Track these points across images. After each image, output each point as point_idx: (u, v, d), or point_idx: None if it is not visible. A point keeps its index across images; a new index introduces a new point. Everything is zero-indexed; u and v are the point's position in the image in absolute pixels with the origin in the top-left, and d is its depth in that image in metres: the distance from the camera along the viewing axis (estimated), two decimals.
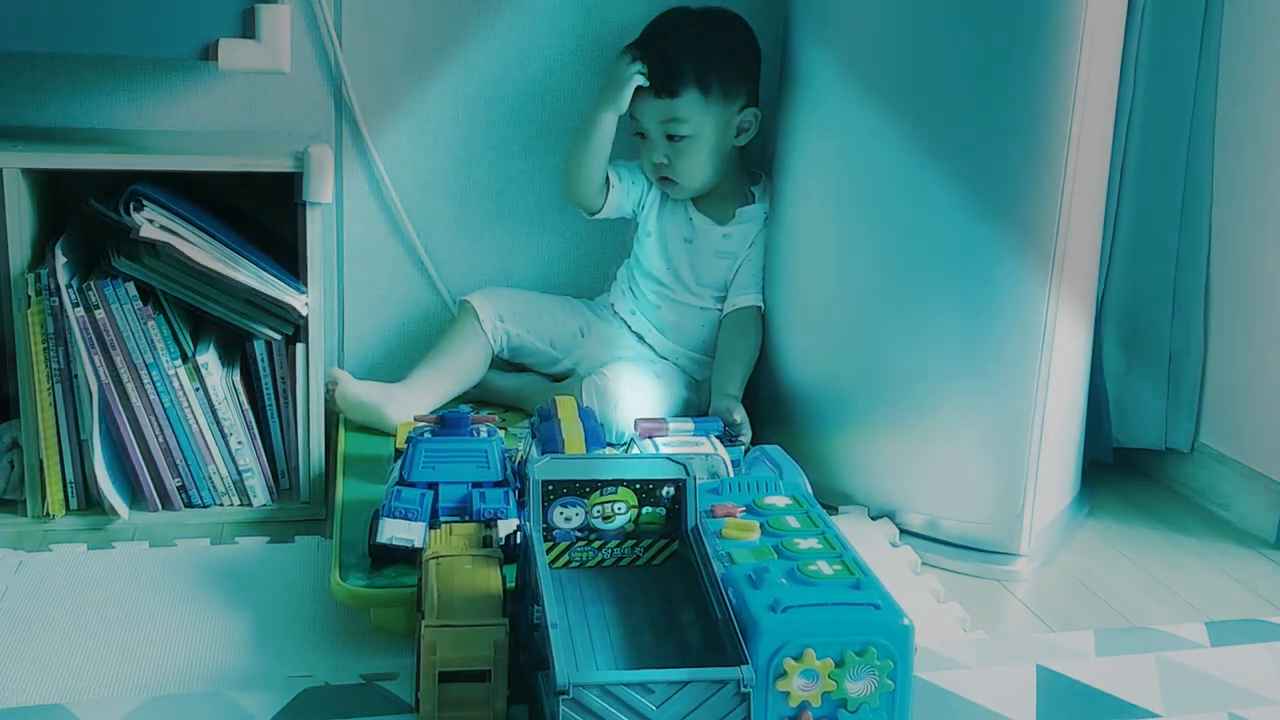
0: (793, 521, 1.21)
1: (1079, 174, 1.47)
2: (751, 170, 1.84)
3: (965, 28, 1.45)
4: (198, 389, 1.53)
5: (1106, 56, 1.53)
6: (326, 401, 1.67)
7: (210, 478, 1.57)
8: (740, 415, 1.68)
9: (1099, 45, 1.47)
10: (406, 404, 1.68)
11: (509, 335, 1.81)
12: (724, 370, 1.76)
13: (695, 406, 1.80)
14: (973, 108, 1.47)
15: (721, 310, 1.81)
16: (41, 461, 1.52)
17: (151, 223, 1.49)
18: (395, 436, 1.51)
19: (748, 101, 1.77)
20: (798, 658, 1.02)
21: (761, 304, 1.78)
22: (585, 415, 1.47)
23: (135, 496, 1.58)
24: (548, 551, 1.16)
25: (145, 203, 1.49)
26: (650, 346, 1.84)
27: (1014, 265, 1.49)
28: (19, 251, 1.49)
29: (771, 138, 1.74)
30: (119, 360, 1.50)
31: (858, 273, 1.58)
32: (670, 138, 1.74)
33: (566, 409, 1.45)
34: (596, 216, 1.83)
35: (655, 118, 1.74)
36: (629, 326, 1.85)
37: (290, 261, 1.58)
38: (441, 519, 1.31)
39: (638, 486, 1.15)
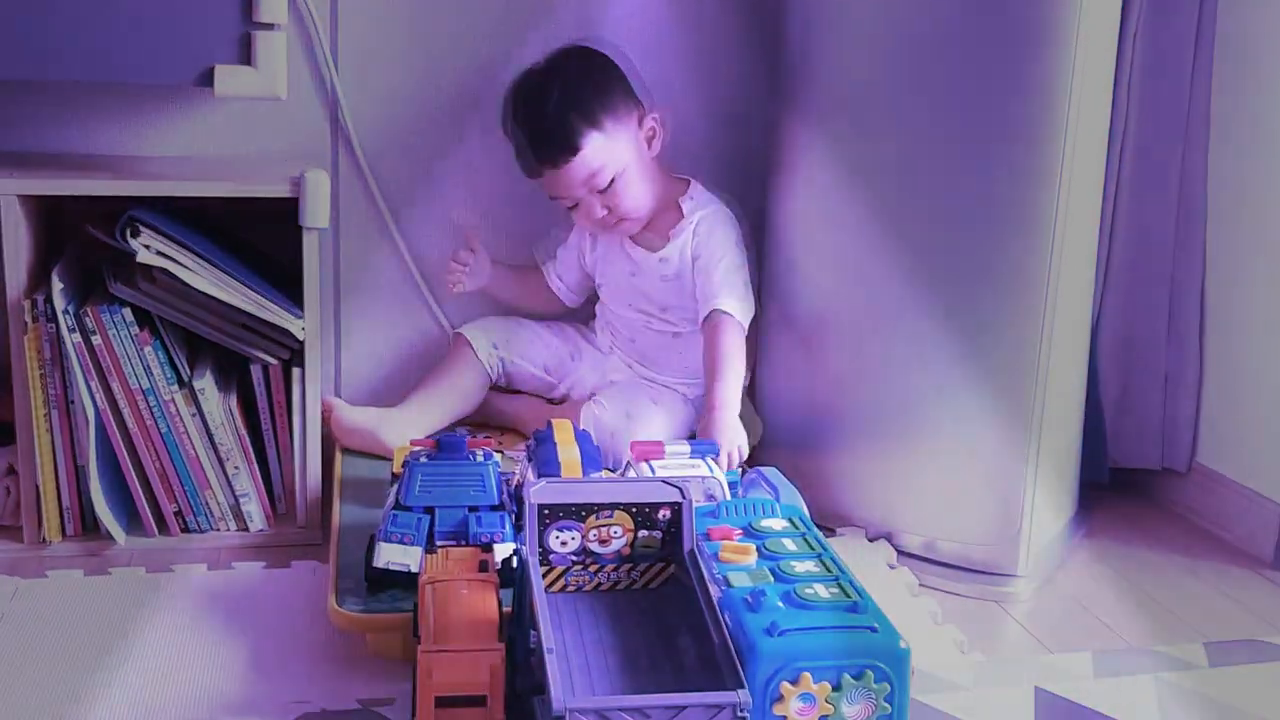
0: (790, 544, 1.21)
1: (1073, 195, 1.48)
2: (676, 177, 1.79)
3: (960, 50, 1.46)
4: (194, 414, 1.53)
5: (1099, 78, 1.54)
6: (322, 428, 1.67)
7: (207, 503, 1.56)
8: (726, 436, 1.59)
9: (1091, 67, 1.47)
10: (402, 428, 1.68)
11: (503, 363, 1.81)
12: (708, 386, 1.68)
13: (693, 426, 1.80)
14: (967, 131, 1.47)
15: (697, 330, 1.78)
16: (38, 487, 1.52)
17: (148, 248, 1.49)
18: (392, 460, 1.51)
19: (641, 110, 1.73)
20: (795, 681, 1.02)
21: (727, 309, 1.68)
22: (582, 438, 1.47)
23: (132, 522, 1.57)
24: (544, 575, 1.16)
25: (142, 228, 1.49)
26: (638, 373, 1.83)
27: (1010, 287, 1.49)
28: (16, 277, 1.49)
29: (767, 158, 1.75)
30: (116, 385, 1.50)
31: (853, 294, 1.59)
32: (600, 191, 1.70)
33: (563, 432, 1.45)
34: (576, 303, 1.88)
35: (577, 183, 1.69)
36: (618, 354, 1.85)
37: (287, 286, 1.58)
38: (438, 543, 1.31)
39: (634, 510, 1.15)
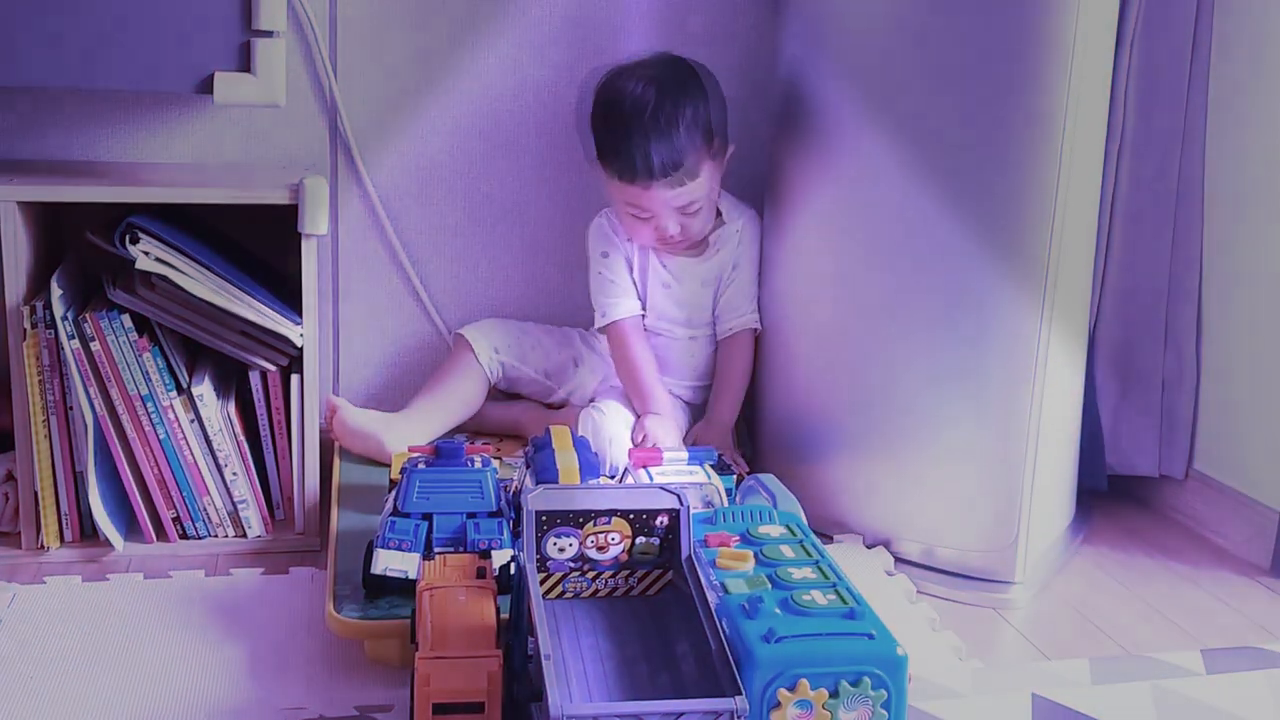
0: (787, 551, 1.21)
1: (1070, 203, 1.48)
2: None
3: (957, 54, 1.47)
4: (193, 420, 1.53)
5: (1097, 83, 1.54)
6: (323, 430, 1.67)
7: (205, 509, 1.57)
8: (727, 447, 1.70)
9: (1089, 72, 1.48)
10: (405, 434, 1.68)
11: (504, 367, 1.81)
12: (716, 395, 1.78)
13: (691, 433, 1.81)
14: (964, 136, 1.48)
15: (709, 335, 1.81)
16: (37, 493, 1.52)
17: (147, 255, 1.50)
18: (390, 467, 1.51)
19: (727, 143, 1.74)
20: (792, 688, 1.02)
21: (756, 324, 1.76)
22: (580, 445, 1.47)
23: (130, 528, 1.58)
24: (542, 582, 1.16)
25: (141, 235, 1.50)
26: None
27: (1007, 294, 1.49)
28: (16, 284, 1.49)
29: (767, 166, 1.75)
30: (115, 392, 1.50)
31: (852, 302, 1.59)
32: (687, 214, 1.70)
33: (561, 439, 1.46)
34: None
35: (674, 204, 1.68)
36: None
37: (286, 293, 1.58)
38: (436, 550, 1.31)
39: (632, 517, 1.15)
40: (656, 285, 1.79)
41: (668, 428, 1.70)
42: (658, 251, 1.78)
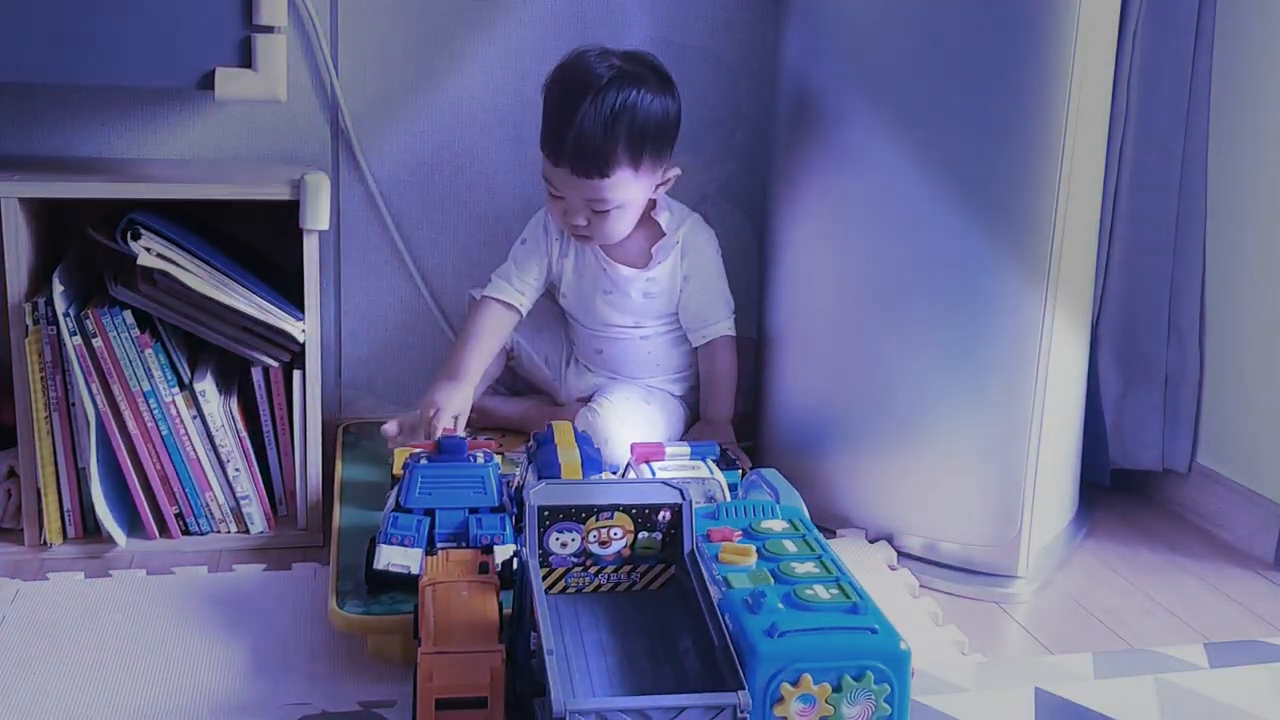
0: (790, 546, 1.21)
1: (1073, 196, 1.48)
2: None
3: (959, 50, 1.46)
4: (195, 416, 1.53)
5: (1099, 78, 1.54)
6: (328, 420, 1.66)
7: (208, 505, 1.57)
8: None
9: (1091, 68, 1.47)
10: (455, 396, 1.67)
11: (517, 346, 1.82)
12: (705, 398, 1.79)
13: (686, 425, 1.80)
14: (966, 131, 1.47)
15: (665, 332, 1.78)
16: (39, 490, 1.52)
17: (149, 251, 1.49)
18: (392, 463, 1.52)
19: (672, 160, 1.69)
20: (795, 683, 1.02)
21: (730, 331, 1.76)
22: (583, 440, 1.47)
23: (133, 524, 1.58)
24: (544, 577, 1.16)
25: (143, 231, 1.50)
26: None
27: (1009, 288, 1.49)
28: (17, 280, 1.49)
29: (766, 162, 1.75)
30: (117, 388, 1.50)
31: (853, 296, 1.59)
32: (596, 211, 1.66)
33: (564, 434, 1.46)
34: (527, 309, 1.77)
35: (580, 194, 1.64)
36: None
37: (288, 288, 1.58)
38: (438, 545, 1.31)
39: (634, 512, 1.15)
40: (597, 291, 1.75)
41: (448, 392, 1.66)
42: (600, 255, 1.74)
